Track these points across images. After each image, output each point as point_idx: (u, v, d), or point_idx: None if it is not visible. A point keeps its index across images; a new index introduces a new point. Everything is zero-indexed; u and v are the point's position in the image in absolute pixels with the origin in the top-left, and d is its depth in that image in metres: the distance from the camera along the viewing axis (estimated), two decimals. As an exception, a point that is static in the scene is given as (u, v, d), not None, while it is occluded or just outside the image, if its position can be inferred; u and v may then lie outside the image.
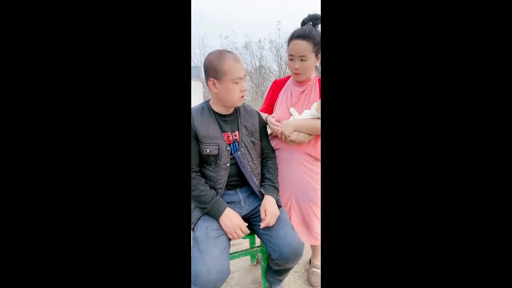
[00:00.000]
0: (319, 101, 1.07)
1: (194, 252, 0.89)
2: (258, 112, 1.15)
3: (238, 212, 1.03)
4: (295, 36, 1.07)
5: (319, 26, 1.09)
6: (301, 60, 1.07)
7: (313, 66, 1.11)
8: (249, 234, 1.07)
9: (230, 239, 0.99)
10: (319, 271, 1.31)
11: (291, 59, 1.10)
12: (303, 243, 1.01)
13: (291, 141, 1.11)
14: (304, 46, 1.05)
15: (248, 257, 1.48)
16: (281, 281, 1.16)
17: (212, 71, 0.94)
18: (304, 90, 1.16)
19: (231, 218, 0.96)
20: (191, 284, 0.82)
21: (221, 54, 0.94)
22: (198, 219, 0.98)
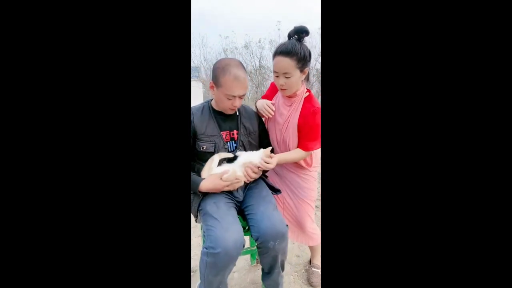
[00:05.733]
0: (264, 150, 1.03)
1: (208, 222, 0.90)
2: (257, 115, 1.18)
3: (236, 198, 1.07)
4: (278, 52, 1.03)
5: (305, 39, 1.05)
6: (285, 77, 1.04)
7: (298, 81, 1.07)
8: (247, 230, 1.06)
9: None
10: (319, 271, 1.31)
11: (276, 76, 1.07)
12: (287, 225, 0.99)
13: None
14: (287, 63, 1.01)
15: (248, 257, 1.48)
16: (279, 284, 1.09)
17: (214, 76, 0.98)
18: (291, 105, 1.13)
19: (208, 181, 0.97)
20: (211, 250, 0.83)
21: (227, 66, 0.95)
22: (202, 201, 1.00)
